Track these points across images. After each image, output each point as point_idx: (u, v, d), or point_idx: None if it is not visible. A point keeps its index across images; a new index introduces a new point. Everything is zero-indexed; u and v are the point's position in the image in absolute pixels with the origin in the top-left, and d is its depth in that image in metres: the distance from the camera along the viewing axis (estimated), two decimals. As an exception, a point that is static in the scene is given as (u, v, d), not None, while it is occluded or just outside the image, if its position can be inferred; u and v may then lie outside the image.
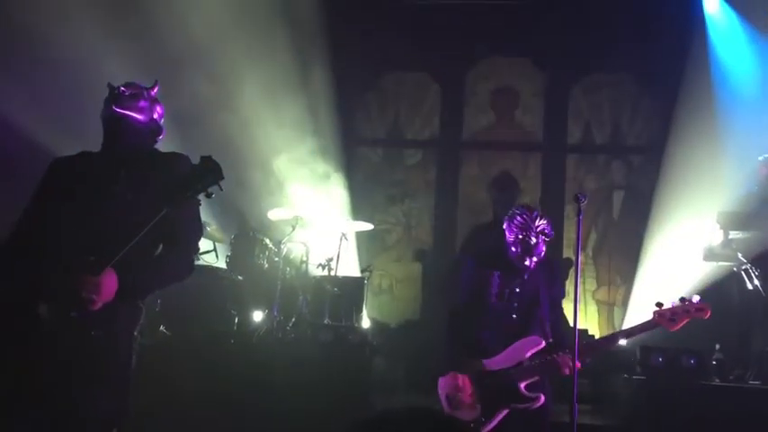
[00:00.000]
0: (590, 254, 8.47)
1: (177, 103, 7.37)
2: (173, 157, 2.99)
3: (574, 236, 7.50)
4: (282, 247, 6.81)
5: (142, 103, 3.03)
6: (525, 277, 3.95)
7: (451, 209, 8.82)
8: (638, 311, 7.23)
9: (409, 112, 9.19)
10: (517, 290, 3.92)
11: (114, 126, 2.98)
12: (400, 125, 9.22)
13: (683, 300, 3.62)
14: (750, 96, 6.86)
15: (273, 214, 7.02)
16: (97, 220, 2.76)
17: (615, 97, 8.72)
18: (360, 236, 8.10)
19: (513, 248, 3.91)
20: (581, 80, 8.83)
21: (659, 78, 8.24)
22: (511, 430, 3.71)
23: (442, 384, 3.83)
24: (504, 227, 3.99)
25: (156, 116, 3.11)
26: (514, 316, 3.88)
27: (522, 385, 3.73)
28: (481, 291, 3.92)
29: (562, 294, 4.12)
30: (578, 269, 3.61)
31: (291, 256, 7.16)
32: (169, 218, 2.65)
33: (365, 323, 6.94)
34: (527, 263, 3.90)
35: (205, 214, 7.35)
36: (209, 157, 2.67)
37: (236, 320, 6.36)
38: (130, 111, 2.98)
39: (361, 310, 6.95)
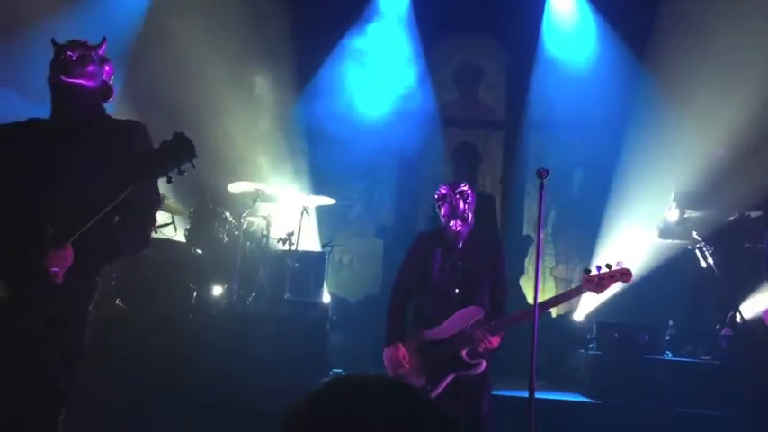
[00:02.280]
0: (549, 231, 8.55)
1: (137, 72, 7.30)
2: (129, 125, 2.88)
3: (534, 213, 7.57)
4: (243, 220, 6.72)
5: (91, 68, 2.88)
6: (460, 247, 4.13)
7: (413, 185, 8.80)
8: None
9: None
10: (458, 263, 4.12)
11: (63, 94, 2.84)
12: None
13: (608, 265, 3.77)
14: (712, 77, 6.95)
15: (234, 187, 6.91)
16: (51, 191, 2.66)
17: (575, 76, 8.76)
18: (321, 210, 8.05)
19: (443, 216, 4.16)
20: (542, 57, 8.85)
21: (619, 60, 8.29)
22: (455, 395, 3.88)
23: (386, 356, 4.05)
24: (435, 203, 4.24)
25: (105, 77, 2.96)
26: (457, 290, 4.07)
27: (464, 352, 3.91)
28: (426, 268, 4.15)
29: (503, 269, 4.26)
30: (540, 245, 3.64)
31: (252, 230, 7.08)
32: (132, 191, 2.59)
33: (325, 298, 6.92)
34: (454, 226, 4.10)
35: (163, 187, 7.23)
36: (182, 134, 2.59)
37: (195, 295, 6.27)
38: (80, 78, 2.84)
39: (322, 285, 6.93)
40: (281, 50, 8.04)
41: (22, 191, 2.69)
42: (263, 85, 7.88)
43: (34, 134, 2.83)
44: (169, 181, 2.65)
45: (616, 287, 3.93)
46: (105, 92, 2.98)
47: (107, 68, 2.99)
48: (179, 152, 2.56)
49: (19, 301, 2.55)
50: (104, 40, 3.00)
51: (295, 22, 8.20)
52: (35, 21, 6.55)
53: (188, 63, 7.54)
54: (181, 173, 2.61)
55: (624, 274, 3.78)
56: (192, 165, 2.61)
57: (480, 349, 3.86)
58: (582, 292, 3.91)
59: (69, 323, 2.70)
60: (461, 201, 4.13)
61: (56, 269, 2.51)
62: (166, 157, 2.57)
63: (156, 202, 3.00)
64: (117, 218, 2.77)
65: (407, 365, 3.96)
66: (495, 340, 3.87)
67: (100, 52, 2.96)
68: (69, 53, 2.85)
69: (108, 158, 2.67)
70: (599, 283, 3.77)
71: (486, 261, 4.16)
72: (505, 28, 8.73)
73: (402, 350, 3.99)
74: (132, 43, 7.54)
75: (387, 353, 4.05)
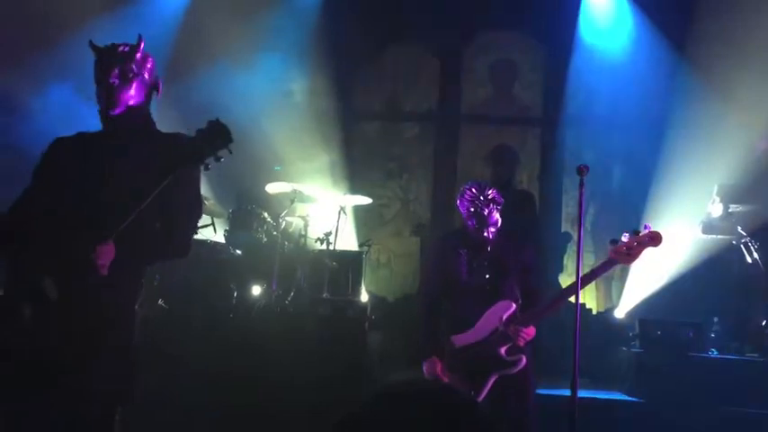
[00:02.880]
0: (588, 228, 8.44)
1: (176, 73, 7.42)
2: (174, 137, 2.89)
3: (572, 210, 7.51)
4: (281, 221, 6.78)
5: (136, 86, 2.90)
6: (489, 249, 4.02)
7: (449, 183, 8.77)
8: (637, 286, 7.23)
9: (407, 85, 9.11)
10: (485, 263, 4.00)
11: (113, 123, 2.90)
12: (398, 99, 9.14)
13: (636, 232, 3.61)
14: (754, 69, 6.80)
15: (272, 188, 6.97)
16: (96, 197, 2.74)
17: (613, 69, 8.65)
18: (358, 210, 8.08)
19: (470, 222, 4.01)
20: (580, 53, 8.74)
21: (658, 52, 8.16)
22: (501, 396, 3.78)
23: (426, 369, 3.92)
24: (458, 204, 4.08)
25: (149, 77, 2.96)
26: (488, 287, 3.96)
27: (503, 350, 3.80)
28: (452, 271, 4.03)
29: (534, 259, 4.15)
30: (580, 242, 3.58)
31: (290, 231, 7.14)
32: (173, 191, 2.65)
33: (363, 297, 6.94)
34: (485, 234, 3.99)
35: (203, 188, 7.35)
36: (218, 120, 2.60)
37: (235, 295, 6.35)
38: (127, 103, 2.88)
39: (360, 284, 6.95)
40: (320, 52, 8.08)
41: (73, 198, 2.77)
42: (300, 90, 7.93)
43: (83, 146, 2.90)
44: (206, 168, 2.64)
45: (648, 255, 3.68)
46: (152, 92, 3.00)
47: (149, 66, 2.96)
48: (215, 138, 2.58)
49: (67, 298, 2.60)
50: (141, 39, 2.95)
51: (332, 23, 8.24)
52: (82, 21, 6.71)
53: (226, 65, 7.64)
54: (218, 159, 2.61)
55: (653, 239, 3.59)
56: (229, 150, 2.61)
57: (520, 344, 3.77)
58: (612, 265, 3.69)
59: (118, 322, 2.78)
60: (495, 209, 3.98)
61: (102, 262, 2.58)
62: (204, 144, 2.58)
63: (199, 211, 3.03)
64: (158, 224, 2.83)
65: (446, 377, 3.86)
66: (530, 331, 3.77)
67: (138, 57, 2.91)
68: (112, 80, 2.84)
69: (154, 168, 2.66)
70: (628, 253, 3.61)
71: (512, 253, 4.04)
72: (541, 22, 8.65)
73: (438, 364, 3.88)
74: (172, 44, 7.66)
75: (425, 366, 3.93)
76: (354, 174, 8.41)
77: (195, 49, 7.61)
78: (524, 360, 3.81)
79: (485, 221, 3.97)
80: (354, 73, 8.99)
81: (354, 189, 7.74)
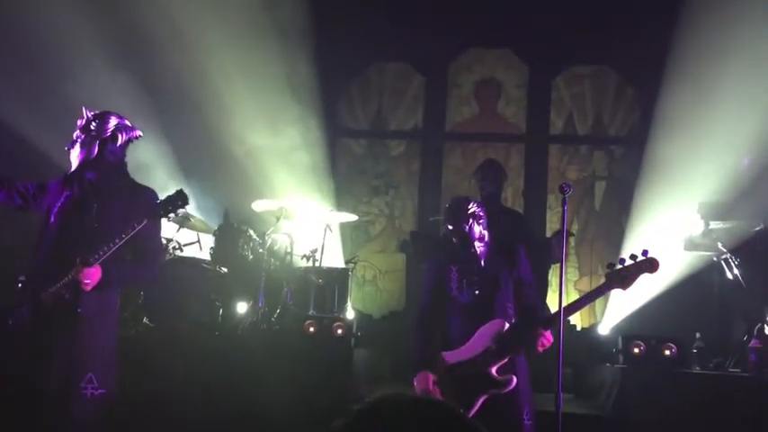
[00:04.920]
0: (572, 244, 8.51)
1: (161, 92, 7.44)
2: (144, 190, 3.81)
3: (556, 226, 7.56)
4: (267, 238, 6.79)
5: (105, 161, 3.75)
6: (482, 264, 3.99)
7: (435, 200, 8.83)
8: (619, 302, 7.30)
9: (393, 102, 9.18)
10: (476, 278, 3.96)
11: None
12: (384, 116, 9.20)
13: (633, 256, 3.57)
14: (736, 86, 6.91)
15: (258, 205, 6.99)
16: (82, 230, 3.60)
17: (597, 88, 8.78)
18: (344, 227, 8.11)
19: (455, 239, 4.01)
20: (563, 71, 8.88)
21: (641, 69, 8.28)
22: (488, 415, 3.70)
23: (416, 384, 3.89)
24: (445, 215, 4.08)
25: (119, 155, 3.79)
26: (478, 304, 3.92)
27: (493, 369, 3.76)
28: (443, 287, 4.01)
29: (529, 273, 4.08)
30: (564, 259, 3.61)
31: (276, 248, 7.15)
32: (142, 233, 3.53)
33: (349, 314, 6.95)
34: (472, 249, 3.98)
35: (189, 206, 7.37)
36: (181, 190, 3.63)
37: (221, 312, 6.34)
38: (99, 174, 3.73)
39: (346, 301, 6.97)
40: (306, 68, 8.12)
41: (69, 230, 3.64)
42: (286, 106, 7.95)
43: (74, 187, 3.72)
44: (168, 219, 3.84)
45: (643, 280, 3.64)
46: (116, 151, 3.78)
47: (108, 128, 3.76)
48: (178, 202, 3.58)
49: (59, 303, 3.50)
50: (83, 110, 3.79)
51: (320, 40, 8.29)
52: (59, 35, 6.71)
53: (212, 83, 7.66)
54: (177, 215, 3.97)
55: (651, 265, 3.55)
56: (186, 210, 3.83)
57: (540, 350, 3.70)
58: (609, 289, 3.67)
59: (99, 325, 3.62)
60: (475, 224, 3.97)
61: (87, 281, 3.45)
62: (169, 204, 3.59)
63: (162, 246, 4.07)
64: (130, 256, 3.71)
65: (437, 392, 3.81)
66: (549, 336, 3.70)
67: (92, 129, 3.75)
68: (89, 174, 3.73)
69: (126, 210, 3.62)
70: (624, 278, 3.58)
71: (505, 268, 4.00)
72: (525, 41, 8.77)
73: (431, 378, 3.82)
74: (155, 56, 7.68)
75: (415, 381, 3.89)
76: (340, 191, 8.44)
77: (183, 69, 7.62)
78: (515, 380, 3.76)
79: (466, 237, 3.96)
80: (339, 89, 9.05)
81: (340, 206, 7.78)
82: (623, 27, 8.09)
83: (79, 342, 3.50)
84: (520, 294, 4.00)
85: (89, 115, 3.76)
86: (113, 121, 3.77)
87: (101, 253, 3.43)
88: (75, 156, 3.74)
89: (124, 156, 3.84)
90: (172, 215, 3.70)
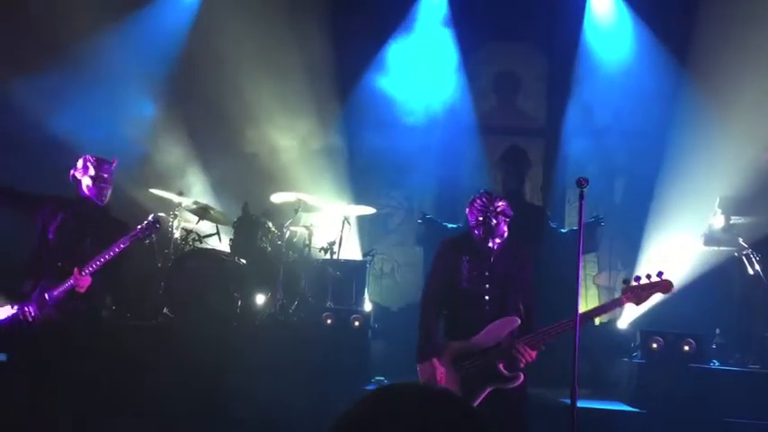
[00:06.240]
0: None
1: (185, 85, 7.53)
2: (120, 224, 4.70)
3: (575, 220, 7.51)
4: (285, 230, 6.83)
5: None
6: (492, 260, 4.02)
7: (454, 192, 8.78)
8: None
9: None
10: (486, 273, 4.01)
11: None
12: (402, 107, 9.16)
13: (648, 276, 3.67)
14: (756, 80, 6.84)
15: (277, 198, 7.03)
16: (78, 248, 4.57)
17: (616, 81, 8.69)
18: (362, 220, 8.12)
19: (477, 231, 4.01)
20: (583, 65, 8.80)
21: (660, 64, 8.20)
22: (493, 407, 3.77)
23: (421, 372, 3.94)
24: (467, 212, 4.10)
25: (77, 180, 4.64)
26: (487, 297, 3.97)
27: (501, 365, 3.80)
28: (453, 277, 4.04)
29: (530, 278, 4.15)
30: (581, 254, 3.61)
31: (294, 240, 7.18)
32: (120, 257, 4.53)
33: (367, 306, 6.98)
34: (490, 244, 4.00)
35: (209, 197, 7.45)
36: (156, 218, 4.60)
37: (239, 303, 6.39)
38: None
39: (363, 294, 6.99)
40: (323, 61, 8.14)
41: (64, 248, 4.59)
42: (307, 100, 7.99)
43: (65, 211, 4.63)
44: (143, 243, 5.35)
45: (657, 297, 3.85)
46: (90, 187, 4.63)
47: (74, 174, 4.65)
48: (153, 231, 4.63)
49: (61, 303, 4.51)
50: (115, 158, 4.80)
51: (336, 34, 8.30)
52: (86, 36, 6.84)
53: (232, 76, 7.72)
54: (150, 240, 4.95)
55: (665, 286, 3.70)
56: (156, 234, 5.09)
57: (522, 365, 3.77)
58: (621, 304, 3.83)
59: (86, 323, 4.62)
60: (503, 222, 3.98)
61: (82, 284, 4.40)
62: (147, 232, 4.58)
63: (128, 266, 5.05)
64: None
65: (442, 381, 3.86)
66: (534, 354, 3.78)
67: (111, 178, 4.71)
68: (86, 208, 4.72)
69: (105, 237, 4.52)
70: (639, 295, 3.70)
71: (515, 265, 4.05)
72: (544, 34, 8.71)
73: (438, 366, 3.88)
74: (180, 57, 7.76)
75: (421, 369, 3.95)
76: (358, 183, 8.45)
77: (203, 62, 7.69)
78: (522, 377, 3.82)
79: (491, 232, 3.97)
80: (361, 83, 9.03)
81: (358, 199, 7.79)
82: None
83: None
84: (524, 296, 4.06)
85: (116, 163, 4.72)
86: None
87: (90, 266, 4.40)
88: (92, 188, 4.60)
89: None
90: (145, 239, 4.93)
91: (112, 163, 4.68)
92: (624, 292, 3.72)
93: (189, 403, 5.26)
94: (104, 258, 4.38)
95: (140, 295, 6.70)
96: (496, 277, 4.00)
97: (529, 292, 4.08)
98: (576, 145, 8.70)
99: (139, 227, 4.50)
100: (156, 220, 4.55)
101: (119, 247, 4.40)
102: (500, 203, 4.00)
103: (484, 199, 4.00)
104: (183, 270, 6.41)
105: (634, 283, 3.70)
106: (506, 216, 4.00)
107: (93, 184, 4.59)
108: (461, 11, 8.65)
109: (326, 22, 8.22)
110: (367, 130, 9.09)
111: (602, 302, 3.93)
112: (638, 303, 3.74)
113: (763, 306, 6.16)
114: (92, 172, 4.59)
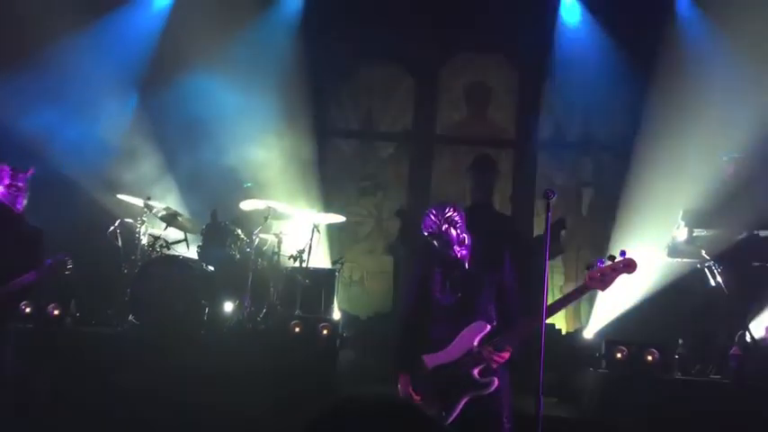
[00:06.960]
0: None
1: (151, 90, 7.48)
2: (35, 231, 4.95)
3: (543, 231, 7.54)
4: (254, 238, 6.79)
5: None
6: (462, 269, 3.99)
7: (423, 202, 8.84)
8: (605, 307, 7.34)
9: (383, 104, 9.19)
10: (459, 281, 3.98)
11: None
12: (373, 117, 9.21)
13: (611, 257, 3.62)
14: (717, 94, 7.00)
15: (246, 205, 7.00)
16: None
17: (585, 95, 8.82)
18: (332, 228, 8.12)
19: (435, 244, 3.97)
20: (553, 77, 8.91)
21: (630, 78, 8.34)
22: (470, 417, 3.77)
23: (399, 387, 3.93)
24: (424, 229, 4.02)
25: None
26: (459, 306, 3.93)
27: (476, 372, 3.79)
28: (427, 289, 4.02)
29: (512, 279, 4.08)
30: (546, 265, 3.64)
31: (263, 248, 7.15)
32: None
33: (336, 315, 6.97)
34: (454, 254, 3.96)
35: (177, 204, 7.39)
36: (65, 256, 4.77)
37: (207, 311, 6.34)
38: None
39: (332, 302, 6.98)
40: (297, 69, 8.14)
41: None
42: (276, 108, 7.97)
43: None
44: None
45: (623, 281, 3.71)
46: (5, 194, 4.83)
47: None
48: (61, 268, 4.76)
49: None
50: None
51: (308, 41, 8.32)
52: (58, 38, 6.79)
53: (202, 81, 7.68)
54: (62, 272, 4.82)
55: (628, 266, 3.61)
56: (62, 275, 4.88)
57: (493, 366, 3.76)
58: (587, 291, 3.74)
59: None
60: (452, 228, 3.91)
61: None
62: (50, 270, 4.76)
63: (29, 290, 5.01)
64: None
65: (418, 397, 3.85)
66: (504, 355, 3.75)
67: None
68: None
69: (18, 244, 4.77)
70: (602, 279, 3.63)
71: (489, 271, 4.00)
72: (515, 46, 8.80)
73: (409, 383, 3.88)
74: (148, 59, 7.72)
75: (399, 384, 3.94)
76: (329, 192, 8.45)
77: (172, 63, 7.65)
78: (497, 382, 3.80)
79: (444, 240, 3.93)
80: (329, 90, 9.05)
81: (328, 207, 7.79)
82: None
83: None
84: (502, 298, 4.01)
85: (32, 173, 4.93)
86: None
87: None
88: (6, 195, 4.83)
89: None
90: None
91: (27, 172, 4.93)
92: (588, 278, 3.67)
93: (154, 412, 5.20)
94: (8, 291, 4.61)
95: (105, 302, 6.62)
96: (469, 285, 3.97)
97: (509, 294, 4.03)
98: (545, 157, 8.81)
99: (49, 261, 4.71)
100: (65, 259, 4.77)
101: (25, 281, 4.64)
102: (448, 211, 3.92)
103: (431, 213, 3.93)
104: (150, 277, 6.34)
105: (597, 266, 3.65)
106: (453, 223, 3.90)
107: (8, 191, 4.87)
108: (433, 25, 8.69)
109: (302, 28, 8.25)
110: (338, 137, 9.12)
111: (567, 292, 3.84)
112: (603, 288, 3.67)
113: (724, 317, 6.28)
114: (6, 181, 4.86)
